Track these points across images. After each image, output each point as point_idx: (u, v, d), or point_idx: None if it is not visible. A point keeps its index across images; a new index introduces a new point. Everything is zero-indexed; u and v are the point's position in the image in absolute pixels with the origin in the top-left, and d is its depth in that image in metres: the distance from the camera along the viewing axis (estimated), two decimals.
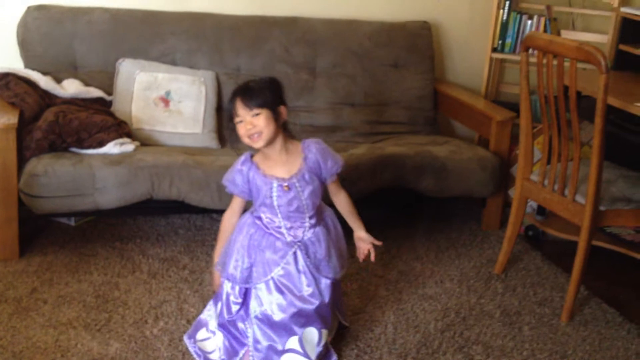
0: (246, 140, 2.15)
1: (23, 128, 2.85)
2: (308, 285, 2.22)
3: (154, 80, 3.26)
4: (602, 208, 2.65)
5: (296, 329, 2.21)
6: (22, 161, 2.81)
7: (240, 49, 3.51)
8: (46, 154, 2.82)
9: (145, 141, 3.14)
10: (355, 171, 3.04)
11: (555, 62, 2.59)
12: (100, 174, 2.77)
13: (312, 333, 2.23)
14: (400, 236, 3.34)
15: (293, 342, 2.22)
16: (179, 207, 2.98)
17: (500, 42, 3.91)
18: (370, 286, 2.85)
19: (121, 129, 2.99)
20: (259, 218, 2.26)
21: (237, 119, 2.14)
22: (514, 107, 3.50)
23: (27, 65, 3.25)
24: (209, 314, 2.35)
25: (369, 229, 3.37)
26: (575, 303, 2.71)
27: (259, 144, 2.13)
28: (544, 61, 2.64)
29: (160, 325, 2.47)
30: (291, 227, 2.22)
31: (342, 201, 2.37)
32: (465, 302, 2.78)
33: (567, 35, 3.89)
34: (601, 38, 3.82)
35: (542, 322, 2.68)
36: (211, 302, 2.36)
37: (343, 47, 3.66)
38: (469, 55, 4.07)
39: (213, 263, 2.31)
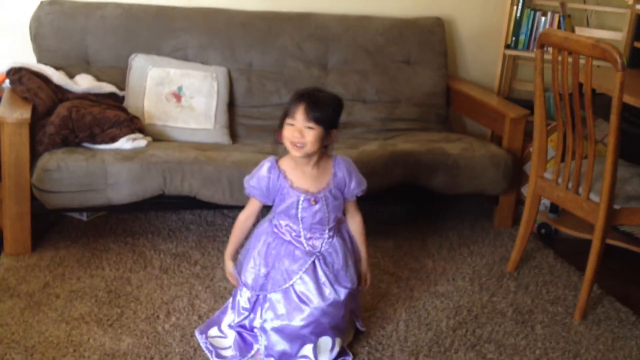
0: (287, 143, 2.13)
1: (36, 123, 2.85)
2: (328, 295, 2.22)
3: (166, 75, 3.26)
4: (616, 206, 2.62)
5: (312, 337, 2.22)
6: (34, 156, 2.82)
7: (252, 45, 3.51)
8: (59, 149, 2.82)
9: (157, 137, 3.14)
10: (366, 168, 3.02)
11: (570, 60, 2.57)
12: (113, 170, 2.77)
13: (327, 342, 2.25)
14: (412, 233, 3.33)
15: (307, 350, 2.23)
16: (190, 203, 2.97)
17: (513, 38, 3.89)
18: (381, 283, 2.84)
19: (133, 124, 2.99)
20: (277, 225, 2.25)
21: (289, 120, 2.10)
22: (527, 105, 3.48)
23: (40, 60, 3.25)
24: (224, 317, 2.39)
25: (381, 226, 3.38)
26: (588, 302, 2.69)
27: (297, 153, 2.12)
28: (559, 58, 2.62)
29: (172, 320, 2.47)
30: (310, 238, 2.22)
31: (357, 225, 2.36)
32: (477, 300, 2.77)
33: (581, 32, 3.86)
34: (615, 35, 3.79)
35: (555, 321, 2.66)
36: (229, 306, 2.39)
37: (355, 43, 3.65)
38: (482, 51, 4.05)
39: (225, 262, 2.32)
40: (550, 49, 2.67)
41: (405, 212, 3.58)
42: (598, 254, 2.62)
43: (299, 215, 2.19)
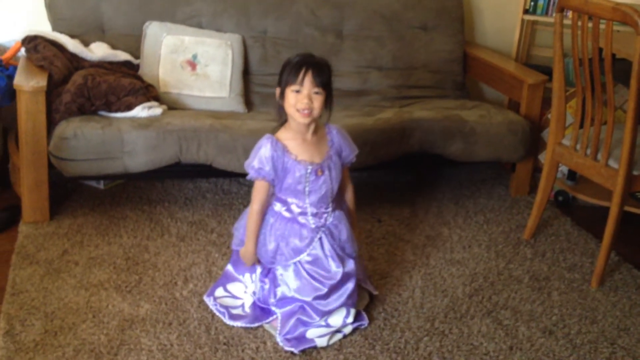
0: (291, 109, 2.13)
1: (52, 91, 2.86)
2: (337, 267, 2.25)
3: (181, 43, 3.24)
4: (635, 172, 2.60)
5: (323, 315, 2.26)
6: (51, 124, 2.83)
7: (267, 12, 3.48)
8: (75, 117, 2.83)
9: (172, 105, 3.14)
10: (382, 136, 3.01)
11: (590, 24, 2.52)
12: (129, 138, 2.77)
13: (340, 311, 2.28)
14: (428, 201, 3.32)
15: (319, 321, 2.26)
16: (206, 171, 2.98)
17: (532, 3, 3.82)
18: (397, 251, 2.85)
19: (149, 92, 2.99)
20: (280, 204, 2.26)
21: (294, 87, 2.11)
22: (545, 71, 3.43)
23: (54, 28, 3.25)
24: (227, 281, 2.44)
25: (397, 194, 3.37)
26: (605, 269, 2.68)
27: (305, 120, 2.13)
28: (579, 23, 2.58)
29: (190, 287, 2.50)
30: (316, 213, 2.24)
31: (350, 193, 2.41)
32: (493, 267, 2.77)
33: None
34: None
35: (572, 288, 2.65)
36: (231, 272, 2.44)
37: (370, 9, 3.61)
38: (500, 17, 3.99)
39: (250, 256, 2.29)
40: (569, 13, 2.62)
41: (422, 180, 3.57)
42: (616, 220, 2.61)
43: (307, 189, 2.20)
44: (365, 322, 2.34)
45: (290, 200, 2.24)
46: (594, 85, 2.61)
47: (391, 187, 3.46)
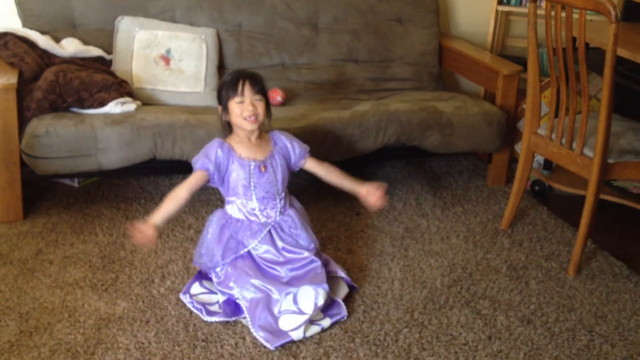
0: (238, 119, 2.33)
1: (23, 88, 2.81)
2: (288, 253, 2.36)
3: (154, 38, 3.21)
4: (610, 161, 2.62)
5: (288, 289, 2.28)
6: (23, 122, 2.78)
7: (241, 5, 3.45)
8: (47, 114, 2.79)
9: (146, 100, 3.10)
10: (359, 128, 3.01)
11: (563, 13, 2.53)
12: (102, 134, 2.74)
13: (307, 290, 2.28)
14: (406, 193, 3.32)
15: (287, 303, 2.26)
16: (182, 167, 2.94)
17: None
18: (375, 243, 2.84)
19: (122, 88, 2.95)
20: (230, 208, 2.38)
21: (237, 99, 2.31)
22: (520, 61, 3.44)
23: (25, 25, 3.19)
24: (201, 277, 2.47)
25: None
26: (582, 257, 2.70)
27: (253, 126, 2.33)
28: (552, 12, 2.59)
29: (167, 284, 2.47)
30: (264, 209, 2.36)
31: (330, 169, 2.52)
32: (471, 258, 2.77)
33: None
34: None
35: (549, 276, 2.67)
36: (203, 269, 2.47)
37: (346, 1, 3.59)
38: (475, 8, 3.99)
39: (146, 224, 2.23)
40: (543, 3, 2.63)
41: (399, 172, 3.57)
42: (592, 209, 2.62)
43: (252, 184, 2.34)
44: (345, 314, 2.33)
45: (238, 200, 2.36)
46: (568, 75, 2.62)
47: (369, 179, 3.45)
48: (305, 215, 2.51)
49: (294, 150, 2.45)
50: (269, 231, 2.36)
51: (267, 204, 2.37)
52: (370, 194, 2.45)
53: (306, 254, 2.37)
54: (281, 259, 2.35)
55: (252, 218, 2.36)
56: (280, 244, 2.36)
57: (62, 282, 2.45)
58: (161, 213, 2.28)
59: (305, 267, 2.35)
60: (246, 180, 2.34)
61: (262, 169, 2.35)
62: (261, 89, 2.35)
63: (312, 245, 2.43)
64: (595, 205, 2.63)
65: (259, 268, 2.34)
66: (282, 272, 2.34)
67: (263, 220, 2.37)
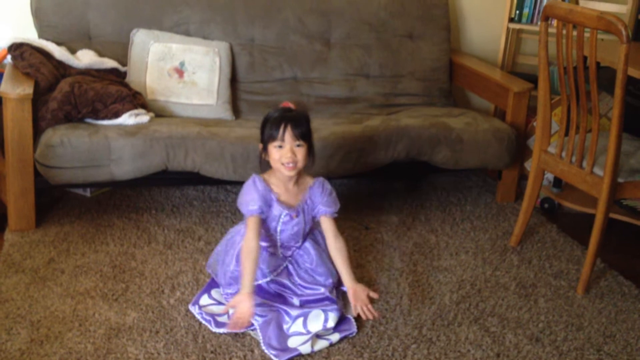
0: (277, 164, 2.22)
1: (38, 99, 2.85)
2: (304, 289, 2.36)
3: (168, 50, 3.24)
4: (620, 180, 2.62)
5: (299, 312, 2.30)
6: (37, 132, 2.81)
7: (254, 20, 3.48)
8: (62, 124, 2.82)
9: (159, 112, 3.14)
10: (370, 143, 3.02)
11: (574, 32, 2.55)
12: (116, 145, 2.77)
13: (318, 315, 2.30)
14: (415, 208, 3.33)
15: (297, 326, 2.28)
16: (193, 179, 2.98)
17: (517, 12, 3.86)
18: (384, 258, 2.85)
19: (136, 100, 2.99)
20: None
21: (276, 143, 2.20)
22: (531, 79, 3.46)
23: (41, 36, 3.24)
24: (211, 288, 2.48)
25: (384, 201, 3.38)
26: (591, 275, 2.70)
27: (291, 173, 2.23)
28: (564, 31, 2.60)
29: (177, 295, 2.49)
30: (285, 246, 2.37)
31: (340, 246, 2.36)
32: (480, 274, 2.78)
33: (585, 5, 3.82)
34: (620, 8, 3.76)
35: (558, 295, 2.67)
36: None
37: (358, 17, 3.63)
38: (486, 25, 4.02)
39: (244, 298, 2.19)
40: (554, 22, 2.64)
41: (409, 187, 3.58)
42: (601, 227, 2.63)
43: (279, 228, 2.31)
44: (354, 330, 2.34)
45: (263, 231, 2.32)
46: (579, 93, 2.63)
47: (379, 194, 3.48)
48: (324, 244, 2.43)
49: (323, 198, 2.33)
50: (286, 266, 2.37)
51: (289, 243, 2.36)
52: (359, 293, 2.27)
53: (322, 290, 2.36)
54: (297, 292, 2.36)
55: (272, 251, 2.36)
56: (296, 279, 2.36)
57: (73, 291, 2.47)
58: (248, 277, 2.20)
59: (320, 301, 2.35)
60: (274, 224, 2.30)
61: (294, 217, 2.30)
62: (303, 134, 2.21)
63: (330, 280, 2.39)
64: (605, 224, 2.63)
65: (273, 296, 2.34)
66: (296, 301, 2.34)
67: (281, 255, 2.38)
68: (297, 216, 2.30)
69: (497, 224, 3.22)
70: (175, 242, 2.85)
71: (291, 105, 2.27)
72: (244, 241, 2.25)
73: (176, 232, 2.94)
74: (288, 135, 2.19)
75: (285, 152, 2.20)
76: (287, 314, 2.29)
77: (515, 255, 2.95)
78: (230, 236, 2.43)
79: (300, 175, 2.32)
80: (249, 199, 2.26)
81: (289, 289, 2.35)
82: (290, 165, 2.21)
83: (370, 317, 2.25)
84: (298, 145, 2.21)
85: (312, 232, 2.43)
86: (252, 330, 2.29)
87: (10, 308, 2.34)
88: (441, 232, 3.12)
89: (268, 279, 2.34)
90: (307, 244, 2.39)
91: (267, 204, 2.27)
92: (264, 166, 2.32)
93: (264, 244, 2.34)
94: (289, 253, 2.38)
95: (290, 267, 2.36)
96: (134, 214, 3.08)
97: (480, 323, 2.45)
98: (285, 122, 2.19)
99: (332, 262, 2.40)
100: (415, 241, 3.01)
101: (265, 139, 2.24)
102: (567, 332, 2.44)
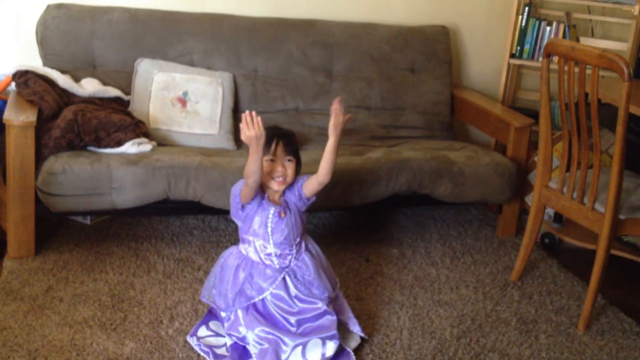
0: (268, 178, 2.32)
1: (42, 126, 2.85)
2: (301, 302, 2.34)
3: (172, 80, 3.26)
4: (621, 217, 2.62)
5: (298, 340, 2.28)
6: (40, 159, 2.81)
7: (258, 51, 3.51)
8: (64, 152, 2.82)
9: (162, 141, 3.14)
10: (371, 175, 3.03)
11: (576, 69, 2.57)
12: (118, 174, 2.77)
13: (316, 343, 2.28)
14: (416, 241, 3.32)
15: (296, 355, 2.26)
16: (194, 208, 2.97)
17: (518, 48, 3.90)
18: (385, 291, 2.84)
19: (139, 128, 2.99)
20: (247, 248, 2.37)
21: (269, 157, 2.30)
22: (531, 114, 3.49)
23: (45, 64, 3.26)
24: (209, 319, 2.47)
25: (385, 234, 3.37)
26: (592, 312, 2.69)
27: (281, 187, 2.34)
28: (566, 68, 2.63)
29: (176, 325, 2.47)
30: (280, 254, 2.35)
31: (322, 170, 2.36)
32: (481, 309, 2.76)
33: (586, 42, 3.87)
34: (621, 46, 3.80)
35: (559, 331, 2.65)
36: (212, 311, 2.47)
37: (360, 50, 3.66)
38: (487, 60, 4.06)
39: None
40: (556, 59, 2.67)
41: (409, 219, 3.58)
42: (602, 264, 2.62)
43: (269, 229, 2.32)
44: None
45: (257, 241, 2.35)
46: (580, 129, 2.65)
47: (379, 226, 3.47)
48: (322, 258, 2.48)
49: (298, 181, 2.38)
50: (284, 277, 2.35)
51: (284, 250, 2.35)
52: (335, 118, 2.31)
53: (320, 304, 2.35)
54: (294, 309, 2.34)
55: (268, 262, 2.35)
56: (293, 291, 2.35)
57: (71, 320, 2.45)
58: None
59: (318, 319, 2.34)
60: (264, 225, 2.33)
61: (282, 215, 2.33)
62: (294, 150, 2.34)
63: (326, 294, 2.40)
64: (606, 261, 2.63)
65: (271, 317, 2.33)
66: (294, 322, 2.33)
67: (278, 266, 2.36)
68: (285, 214, 2.33)
69: (497, 258, 3.21)
70: (175, 272, 2.84)
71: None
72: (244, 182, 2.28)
73: (176, 261, 2.93)
74: (280, 150, 2.30)
75: (276, 166, 2.31)
76: (285, 343, 2.27)
77: (516, 290, 2.94)
78: (223, 259, 2.43)
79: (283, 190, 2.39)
80: (241, 182, 2.31)
81: (286, 303, 2.33)
82: (280, 179, 2.31)
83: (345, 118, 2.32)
84: (289, 160, 2.32)
85: (307, 246, 2.44)
86: None
87: (8, 336, 2.32)
88: (441, 265, 3.11)
89: (267, 292, 2.32)
90: (305, 257, 2.40)
91: (255, 200, 2.32)
92: None
93: (259, 254, 2.35)
94: (286, 263, 2.36)
95: (287, 279, 2.35)
96: (134, 242, 3.07)
97: (481, 358, 2.43)
98: (277, 138, 2.30)
99: (327, 276, 2.43)
100: (415, 274, 3.00)
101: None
102: None
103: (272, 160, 2.30)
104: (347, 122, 2.35)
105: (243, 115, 2.16)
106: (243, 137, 2.17)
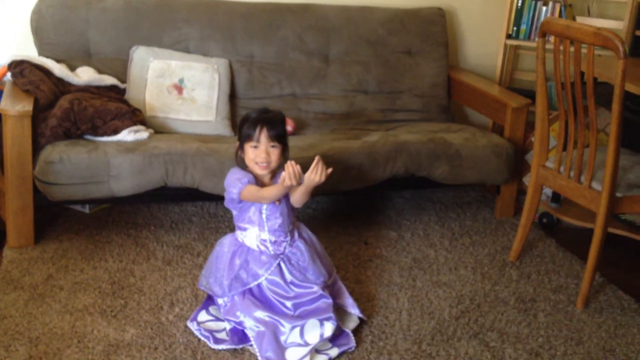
0: (252, 164, 2.33)
1: (38, 115, 2.85)
2: (297, 287, 2.36)
3: (168, 67, 3.26)
4: (618, 194, 2.63)
5: (295, 322, 2.29)
6: (36, 148, 2.82)
7: (253, 37, 3.51)
8: (61, 141, 2.83)
9: (159, 129, 3.14)
10: (368, 159, 3.03)
11: (572, 48, 2.56)
12: (115, 162, 2.77)
13: (314, 325, 2.29)
14: (414, 223, 3.33)
15: (294, 336, 2.27)
16: (192, 195, 2.98)
17: (514, 28, 3.89)
18: (384, 273, 2.85)
19: (135, 116, 3.00)
20: (242, 234, 2.39)
21: (252, 143, 2.31)
22: (528, 94, 3.48)
23: (41, 53, 3.25)
24: (208, 304, 2.48)
25: (383, 216, 3.38)
26: (590, 290, 2.70)
27: (263, 171, 2.34)
28: (561, 47, 2.62)
29: (176, 311, 2.48)
30: (275, 241, 2.37)
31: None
32: (479, 289, 2.77)
33: (583, 21, 3.86)
34: (617, 24, 3.79)
35: (557, 309, 2.67)
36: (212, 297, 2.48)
37: (356, 34, 3.65)
38: (483, 42, 4.04)
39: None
40: (552, 38, 2.66)
41: (407, 202, 3.58)
42: (600, 242, 2.63)
43: (264, 216, 2.34)
44: (353, 345, 2.33)
45: (253, 228, 2.37)
46: (577, 109, 2.65)
47: (378, 209, 3.48)
48: (316, 245, 2.50)
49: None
50: (279, 263, 2.37)
51: (278, 237, 2.37)
52: (314, 176, 2.24)
53: (315, 288, 2.36)
54: (290, 294, 2.36)
55: (263, 248, 2.37)
56: (288, 277, 2.37)
57: (71, 307, 2.46)
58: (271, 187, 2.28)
59: (314, 302, 2.35)
60: (259, 212, 2.34)
61: (277, 202, 2.33)
62: (278, 135, 2.32)
63: (322, 279, 2.42)
64: (603, 239, 2.63)
65: (267, 301, 2.34)
66: (290, 306, 2.34)
67: (273, 252, 2.37)
68: (279, 202, 2.34)
69: (496, 239, 3.22)
70: (174, 258, 2.85)
71: (290, 122, 2.32)
72: (263, 196, 2.28)
73: (175, 248, 2.94)
74: (263, 136, 2.30)
75: (259, 153, 2.31)
76: (282, 325, 2.28)
77: (515, 270, 2.95)
78: (219, 247, 2.45)
79: (274, 173, 2.38)
80: (237, 176, 2.32)
81: (282, 288, 2.35)
82: (264, 164, 2.32)
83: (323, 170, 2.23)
84: (272, 147, 2.32)
85: (300, 234, 2.45)
86: (250, 345, 2.28)
87: (9, 325, 2.33)
88: (440, 246, 3.12)
89: (262, 278, 2.34)
90: (299, 243, 2.42)
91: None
92: (240, 162, 2.41)
93: (254, 241, 2.36)
94: (280, 250, 2.37)
95: (282, 264, 2.37)
96: (133, 230, 3.08)
97: (479, 338, 2.45)
98: (261, 124, 2.30)
99: (322, 262, 2.46)
100: (414, 256, 3.01)
101: (243, 137, 2.35)
102: (566, 346, 2.43)
103: (255, 147, 2.31)
104: (327, 176, 2.26)
105: (285, 165, 2.18)
106: (286, 184, 2.18)
